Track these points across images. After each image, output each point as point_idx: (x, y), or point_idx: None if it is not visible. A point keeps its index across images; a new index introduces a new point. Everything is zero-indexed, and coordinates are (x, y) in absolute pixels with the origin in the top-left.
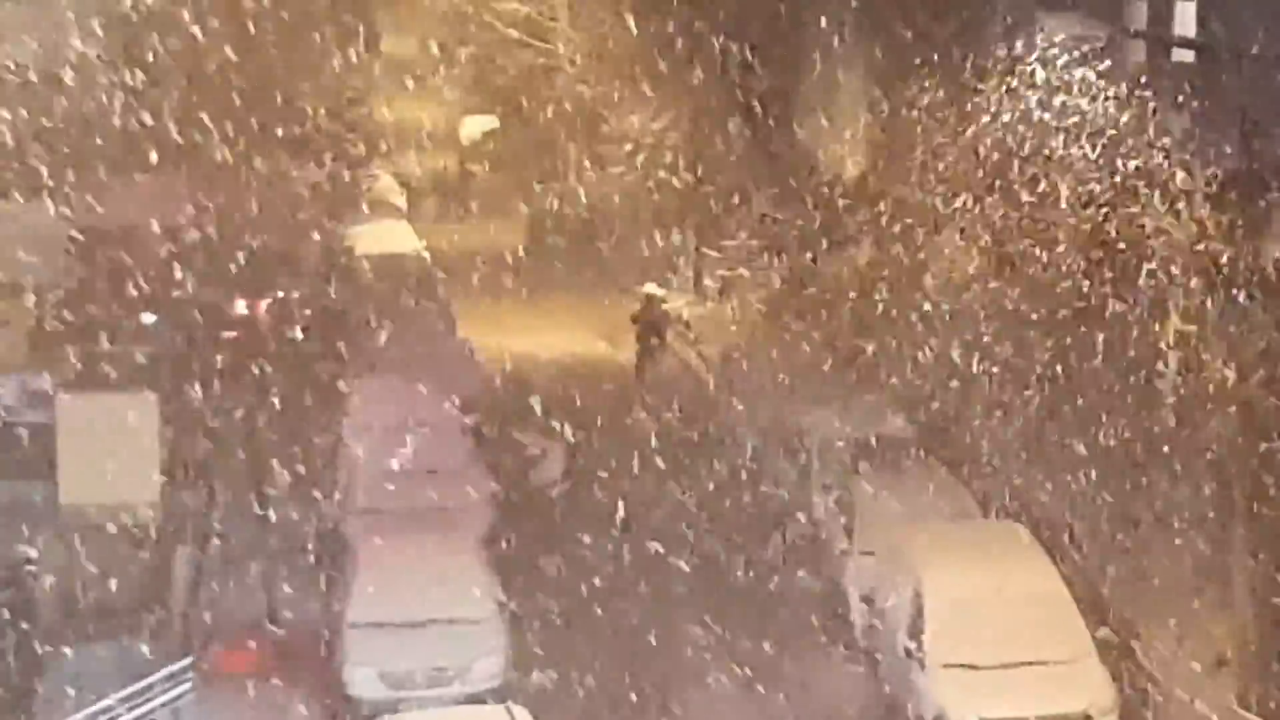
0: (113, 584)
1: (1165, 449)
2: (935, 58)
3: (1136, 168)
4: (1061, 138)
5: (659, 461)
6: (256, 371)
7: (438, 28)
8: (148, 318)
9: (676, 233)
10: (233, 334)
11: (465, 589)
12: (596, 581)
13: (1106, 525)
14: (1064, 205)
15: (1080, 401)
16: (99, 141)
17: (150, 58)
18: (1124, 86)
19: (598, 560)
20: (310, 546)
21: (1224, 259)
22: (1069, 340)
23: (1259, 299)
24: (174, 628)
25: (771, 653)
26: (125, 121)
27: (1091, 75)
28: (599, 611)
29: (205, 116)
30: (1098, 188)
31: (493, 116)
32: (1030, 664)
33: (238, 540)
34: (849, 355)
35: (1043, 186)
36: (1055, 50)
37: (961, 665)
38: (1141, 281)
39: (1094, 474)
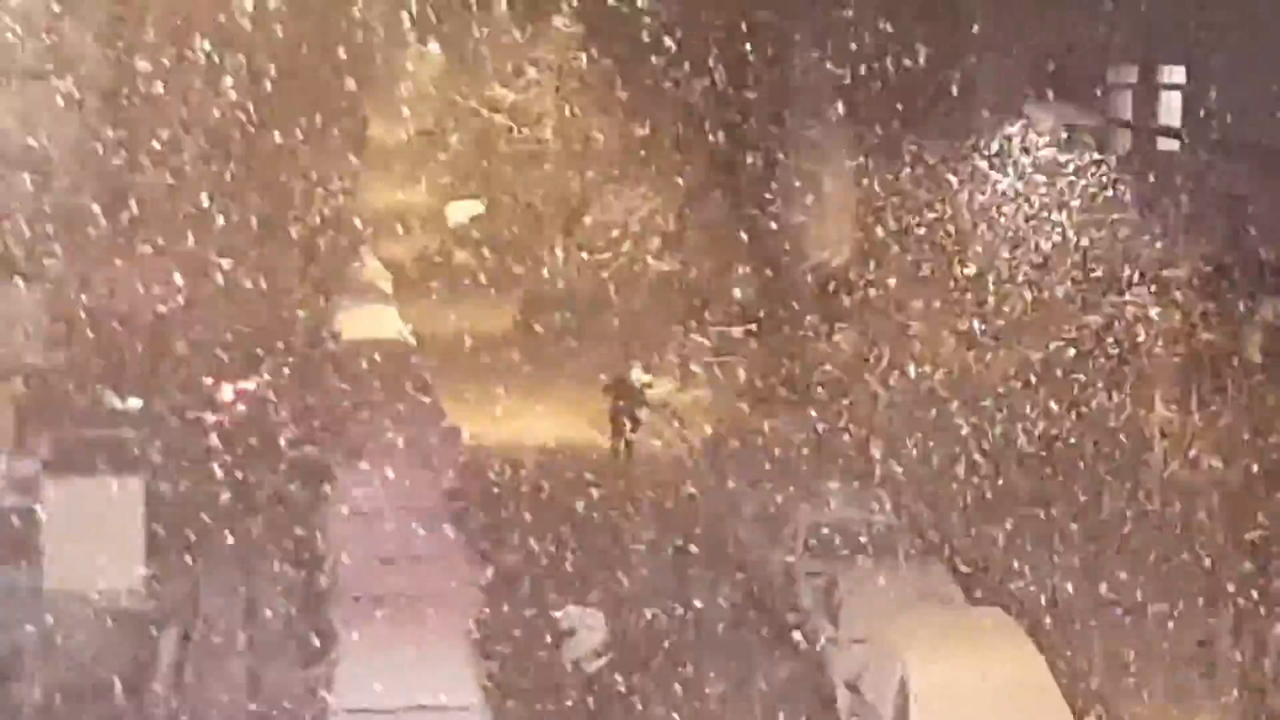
0: (97, 669)
1: (1151, 536)
2: (921, 145)
3: (1123, 255)
4: (1048, 226)
5: (640, 548)
6: (241, 456)
7: (426, 113)
8: (134, 402)
9: (663, 318)
10: (219, 418)
11: (451, 675)
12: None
13: (1092, 612)
14: (1051, 292)
15: (1066, 487)
16: (89, 228)
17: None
18: (1110, 176)
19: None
20: (296, 632)
21: (1209, 347)
22: (1055, 427)
23: (1243, 387)
24: (159, 713)
25: None
26: (114, 207)
27: (1078, 164)
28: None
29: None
30: (1084, 275)
31: (479, 201)
32: None
33: (223, 626)
34: (834, 441)
35: (1029, 274)
36: (1042, 139)
37: None
38: (1127, 368)
39: (1079, 560)
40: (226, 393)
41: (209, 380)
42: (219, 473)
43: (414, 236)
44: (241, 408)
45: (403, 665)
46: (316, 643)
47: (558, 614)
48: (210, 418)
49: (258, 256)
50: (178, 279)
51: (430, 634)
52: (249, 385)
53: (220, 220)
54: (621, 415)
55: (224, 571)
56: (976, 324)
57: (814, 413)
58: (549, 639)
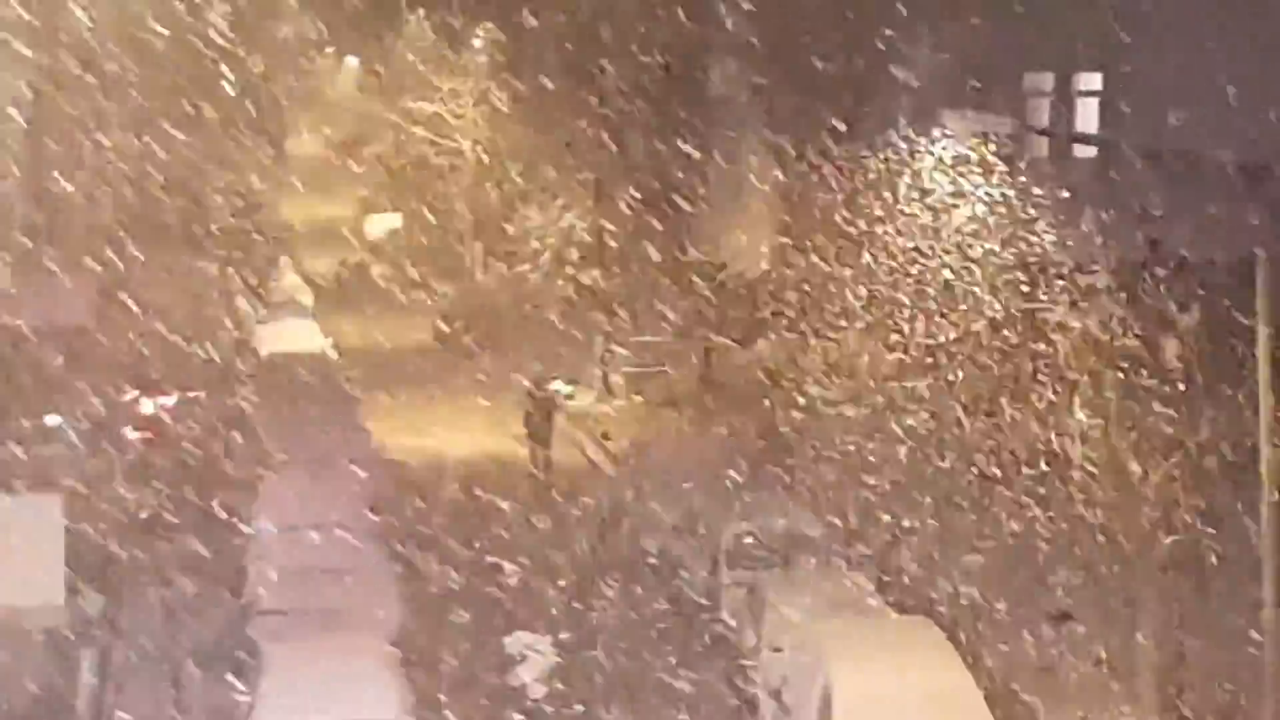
0: (17, 688)
1: (1072, 542)
2: (839, 153)
3: (1040, 262)
4: (965, 233)
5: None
6: (162, 471)
7: (344, 126)
8: (52, 419)
9: (584, 329)
10: (138, 434)
11: (373, 691)
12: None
13: (1015, 620)
14: (969, 300)
15: (989, 495)
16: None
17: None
18: (1027, 182)
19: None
20: (217, 648)
21: (1127, 353)
22: (977, 434)
23: (1161, 393)
24: None
25: None
26: (27, 220)
27: (995, 171)
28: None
29: (110, 215)
30: (1002, 282)
31: (398, 214)
32: None
33: (144, 643)
34: (758, 451)
35: (948, 281)
36: (959, 146)
37: None
38: (1046, 374)
39: (1002, 568)
40: (146, 407)
41: (128, 396)
42: (139, 488)
43: (333, 250)
44: (162, 422)
45: (325, 680)
46: (238, 659)
47: (506, 639)
48: (130, 433)
49: (176, 270)
50: (94, 293)
51: (352, 649)
52: (169, 400)
53: (136, 234)
54: (540, 427)
55: (144, 588)
56: (895, 332)
57: (735, 422)
58: (496, 663)
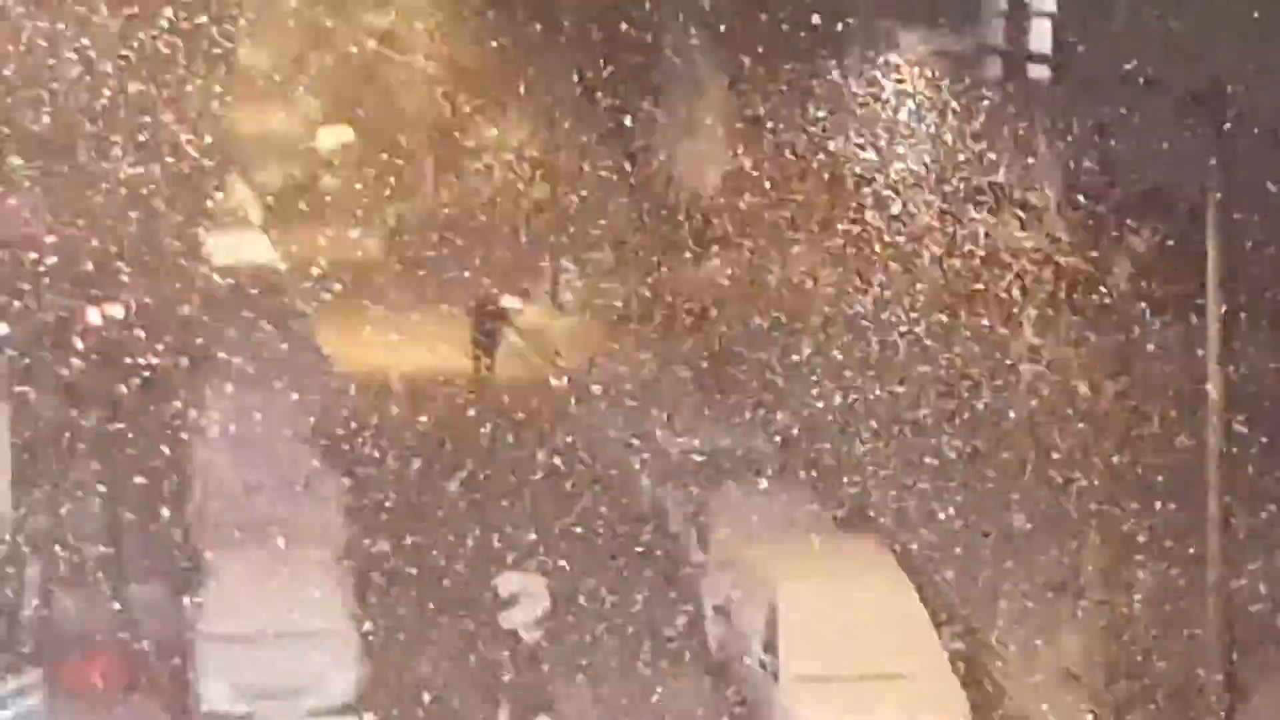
0: None
1: (1018, 461)
2: (792, 71)
3: (991, 182)
4: (918, 151)
5: (511, 477)
6: (109, 381)
7: (296, 38)
8: None
9: (534, 246)
10: (85, 344)
11: (319, 602)
12: (446, 583)
13: (961, 538)
14: (919, 218)
15: (935, 414)
16: None
17: None
18: (980, 101)
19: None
20: (164, 558)
21: (1077, 274)
22: (925, 352)
23: (1112, 315)
24: (24, 639)
25: (625, 664)
26: None
27: (948, 89)
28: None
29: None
30: (953, 201)
31: (350, 128)
32: (884, 677)
33: (91, 552)
34: (706, 369)
35: (898, 199)
36: (912, 64)
37: (815, 678)
38: (996, 294)
39: (949, 486)
40: (93, 316)
41: (74, 304)
42: (85, 397)
43: (283, 163)
44: (108, 332)
45: (270, 592)
46: (184, 569)
47: (496, 580)
48: (77, 342)
49: (123, 180)
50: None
51: (299, 560)
52: (116, 310)
53: (84, 143)
54: (486, 340)
55: (90, 498)
56: (845, 252)
57: (684, 340)
58: (491, 602)
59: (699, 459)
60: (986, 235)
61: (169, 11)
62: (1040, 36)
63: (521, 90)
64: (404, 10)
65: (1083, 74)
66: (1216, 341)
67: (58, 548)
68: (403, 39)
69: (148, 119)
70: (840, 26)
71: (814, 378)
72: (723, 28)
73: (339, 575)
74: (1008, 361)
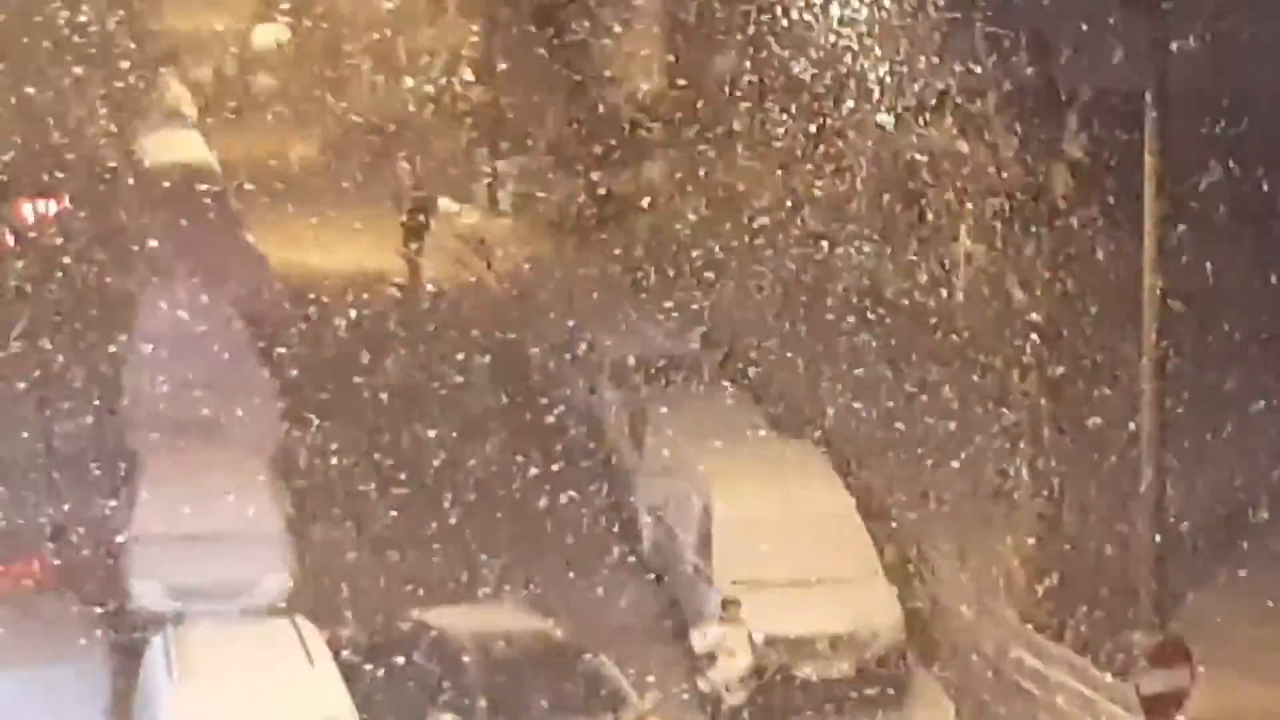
0: None
1: (954, 368)
2: None
3: (928, 86)
4: (852, 55)
5: (455, 376)
6: (41, 279)
7: None
8: None
9: (472, 147)
10: (17, 241)
11: (252, 504)
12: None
13: (895, 445)
14: (856, 124)
15: (872, 320)
16: None
17: None
18: (916, 3)
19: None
20: (95, 458)
21: (1014, 181)
22: (862, 258)
23: (1049, 223)
24: None
25: (560, 567)
26: None
27: None
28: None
29: None
30: (889, 106)
31: (285, 25)
32: (818, 582)
33: (21, 452)
34: (642, 273)
35: (835, 104)
36: None
37: (749, 582)
38: (933, 200)
39: (884, 393)
40: (26, 213)
41: (6, 201)
42: (17, 297)
43: (218, 60)
44: (41, 229)
45: (204, 492)
46: (117, 469)
47: (694, 632)
48: (9, 240)
49: (55, 77)
50: None
51: (231, 462)
52: (48, 207)
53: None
54: (414, 236)
55: (22, 398)
56: (782, 156)
57: (620, 242)
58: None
59: (634, 363)
60: (924, 141)
61: None
62: None
63: None
64: None
65: None
66: (1153, 250)
67: None
68: None
69: (83, 16)
70: None
71: (751, 282)
72: None
73: (271, 476)
74: (945, 267)
